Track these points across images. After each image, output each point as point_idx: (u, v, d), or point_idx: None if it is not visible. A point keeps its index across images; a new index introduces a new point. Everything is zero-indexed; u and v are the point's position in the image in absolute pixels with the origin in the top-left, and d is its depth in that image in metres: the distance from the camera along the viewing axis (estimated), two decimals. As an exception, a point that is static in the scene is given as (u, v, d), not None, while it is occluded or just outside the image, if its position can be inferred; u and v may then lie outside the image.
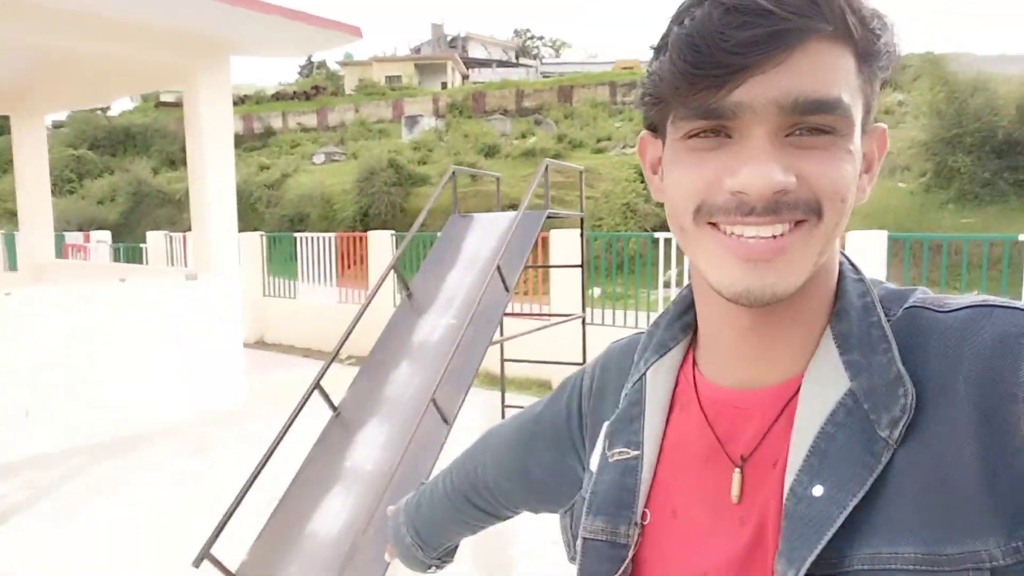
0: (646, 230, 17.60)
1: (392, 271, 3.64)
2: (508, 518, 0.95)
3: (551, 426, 0.79)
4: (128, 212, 27.03)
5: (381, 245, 8.40)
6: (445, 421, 2.93)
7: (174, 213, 26.65)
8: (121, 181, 28.52)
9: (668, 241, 6.45)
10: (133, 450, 4.97)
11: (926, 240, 5.73)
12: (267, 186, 26.28)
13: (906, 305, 0.55)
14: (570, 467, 0.76)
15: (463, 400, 3.04)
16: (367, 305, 3.57)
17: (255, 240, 9.78)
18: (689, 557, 0.58)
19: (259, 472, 2.85)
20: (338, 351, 3.39)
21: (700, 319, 0.63)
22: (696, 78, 0.49)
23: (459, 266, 3.77)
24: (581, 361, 4.65)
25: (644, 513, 0.62)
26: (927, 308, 0.54)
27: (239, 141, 37.59)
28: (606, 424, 0.69)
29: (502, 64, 48.80)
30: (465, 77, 45.89)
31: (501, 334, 4.70)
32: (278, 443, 2.98)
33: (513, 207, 4.99)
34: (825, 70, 0.49)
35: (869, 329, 0.54)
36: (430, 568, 1.03)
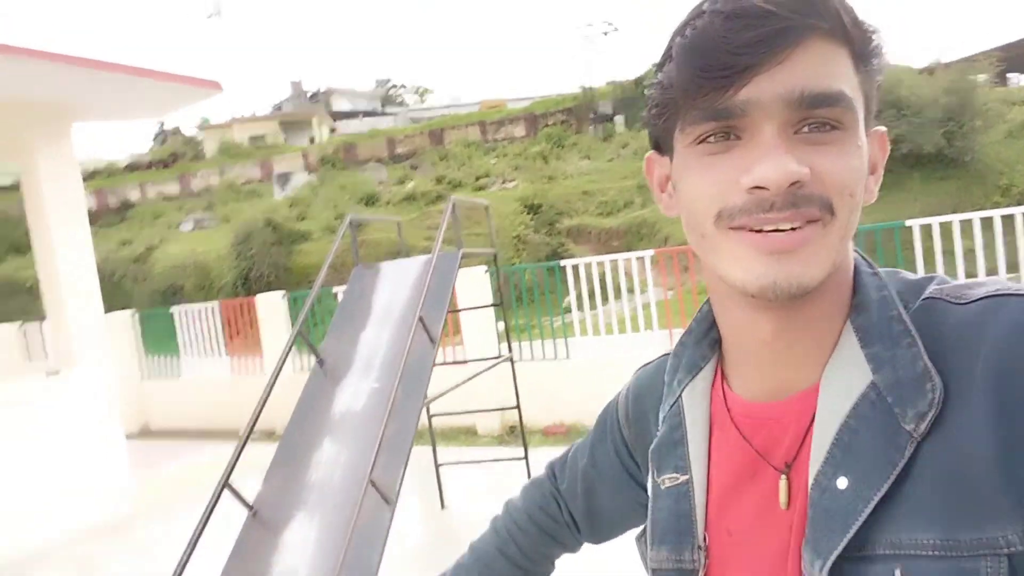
0: (539, 259, 17.71)
1: (298, 337, 3.22)
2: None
3: (609, 467, 0.80)
4: (-8, 303, 24.30)
5: (272, 308, 7.79)
6: (387, 501, 2.55)
7: (28, 301, 24.11)
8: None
9: (566, 268, 6.36)
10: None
11: (877, 230, 5.75)
12: (132, 261, 24.46)
13: (923, 296, 0.56)
14: (637, 496, 0.77)
15: (404, 472, 2.67)
16: (276, 377, 3.13)
17: (125, 319, 8.85)
18: (753, 572, 0.59)
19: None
20: (247, 437, 2.93)
21: (723, 333, 0.64)
22: (704, 80, 0.51)
23: (373, 322, 3.40)
24: (515, 404, 4.36)
25: (704, 536, 0.62)
26: (943, 299, 0.54)
27: (94, 218, 34.68)
28: (650, 450, 0.69)
29: (368, 114, 48.58)
30: (332, 130, 45.24)
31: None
32: (185, 563, 2.47)
33: (405, 253, 4.75)
34: (826, 65, 0.51)
35: (890, 322, 0.54)
36: None
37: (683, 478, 0.65)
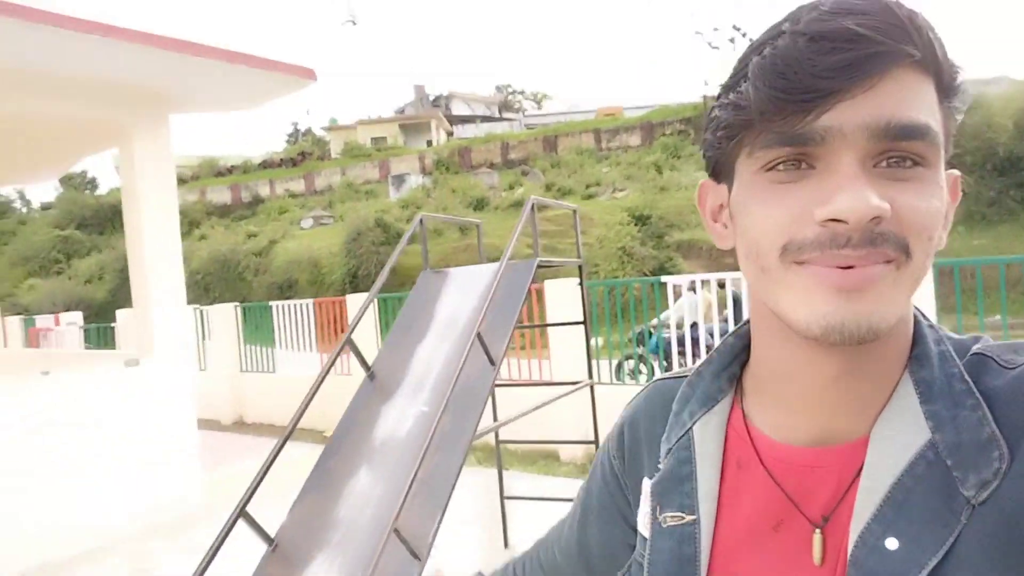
0: (644, 274, 16.96)
1: (348, 346, 2.88)
2: None
3: (598, 500, 0.75)
4: (116, 289, 26.55)
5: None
6: (415, 556, 2.13)
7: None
8: (108, 259, 28.16)
9: (664, 285, 5.77)
10: (60, 579, 4.11)
11: (934, 266, 5.04)
12: (255, 254, 25.84)
13: (971, 352, 0.54)
14: (624, 535, 0.71)
15: (439, 522, 2.24)
16: (318, 385, 2.81)
17: (229, 312, 9.04)
18: None
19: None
20: (281, 446, 2.62)
21: (765, 370, 0.59)
22: (784, 103, 0.48)
23: (431, 335, 3.02)
24: (593, 438, 3.85)
25: None
26: (993, 359, 0.52)
27: (227, 211, 37.78)
28: (650, 483, 0.65)
29: (485, 119, 49.23)
30: (450, 134, 46.18)
31: (495, 417, 3.91)
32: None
33: (495, 258, 4.38)
34: (914, 96, 0.48)
35: (951, 380, 0.52)
36: None
37: (689, 518, 0.60)
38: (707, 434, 0.62)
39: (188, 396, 5.16)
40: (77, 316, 12.49)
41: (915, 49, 0.47)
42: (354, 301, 7.83)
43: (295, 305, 8.74)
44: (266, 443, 7.55)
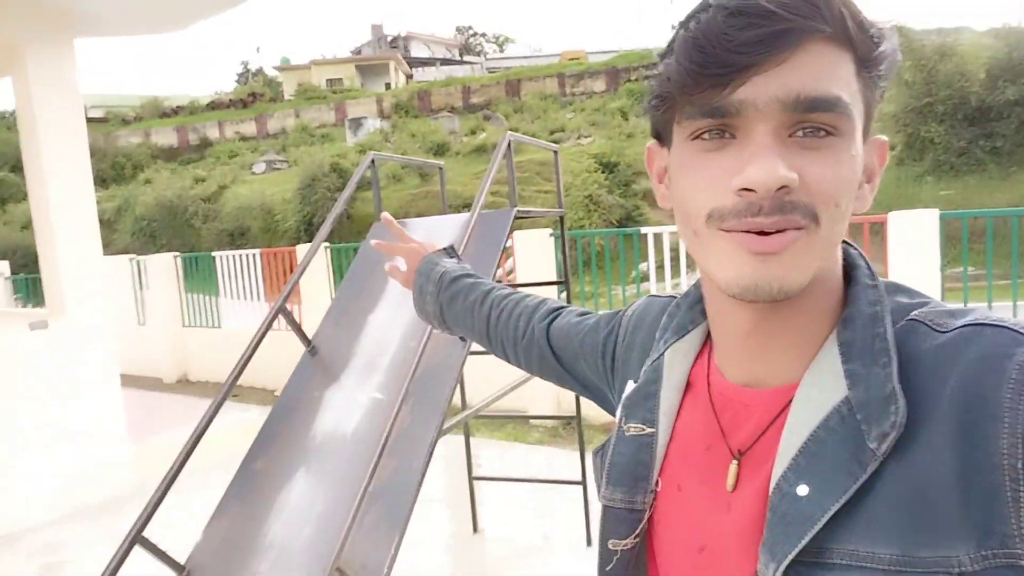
0: (611, 222, 16.49)
1: (279, 315, 2.33)
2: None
3: (591, 353, 0.84)
4: (52, 237, 24.88)
5: (314, 260, 7.02)
6: (365, 595, 1.64)
7: (105, 234, 24.67)
8: (44, 204, 26.47)
9: (643, 236, 5.30)
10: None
11: (964, 217, 4.68)
12: (203, 200, 24.57)
13: (907, 317, 0.56)
14: (601, 389, 0.84)
15: (396, 550, 1.74)
16: (252, 351, 2.29)
17: (168, 263, 8.30)
18: (690, 529, 0.62)
19: None
20: (203, 429, 2.09)
21: (709, 317, 0.65)
22: (702, 76, 0.51)
23: (386, 302, 2.47)
24: (575, 411, 3.38)
25: (657, 482, 0.65)
26: (925, 324, 0.55)
27: (174, 154, 35.98)
28: (624, 397, 0.72)
29: (446, 62, 47.69)
30: (409, 77, 44.62)
31: (463, 395, 3.41)
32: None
33: (466, 208, 3.83)
34: (825, 69, 0.51)
35: (874, 340, 0.55)
36: (436, 329, 1.13)
37: (649, 430, 0.66)
38: (675, 360, 0.68)
39: (110, 359, 4.52)
40: (3, 266, 11.48)
41: (825, 24, 0.49)
42: (305, 251, 7.19)
43: (241, 256, 8.03)
44: (227, 403, 6.98)
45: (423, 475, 1.89)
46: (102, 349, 4.46)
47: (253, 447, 2.14)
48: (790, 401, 0.56)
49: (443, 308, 1.04)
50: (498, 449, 4.93)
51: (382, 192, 2.66)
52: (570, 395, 3.72)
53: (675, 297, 0.74)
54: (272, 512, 1.94)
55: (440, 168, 3.52)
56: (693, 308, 0.69)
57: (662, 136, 0.60)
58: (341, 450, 2.03)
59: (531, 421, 5.51)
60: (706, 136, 0.53)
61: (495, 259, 2.50)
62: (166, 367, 8.28)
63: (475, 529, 3.59)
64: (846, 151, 0.51)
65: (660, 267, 5.37)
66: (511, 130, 24.65)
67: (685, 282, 5.64)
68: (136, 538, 1.77)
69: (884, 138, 0.59)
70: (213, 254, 8.32)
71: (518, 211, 2.66)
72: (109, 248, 17.94)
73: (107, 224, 25.36)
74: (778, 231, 0.50)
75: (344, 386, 2.23)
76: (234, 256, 8.13)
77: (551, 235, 5.42)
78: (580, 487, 3.32)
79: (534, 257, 5.30)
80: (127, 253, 10.08)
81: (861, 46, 0.52)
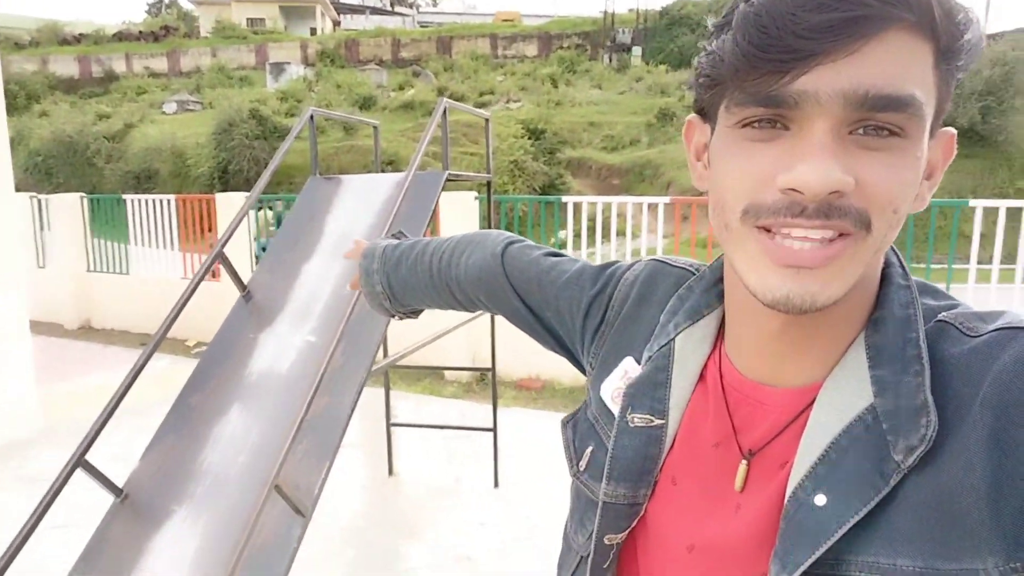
0: (534, 189, 16.75)
1: (219, 260, 2.43)
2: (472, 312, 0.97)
3: (567, 307, 0.76)
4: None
5: (232, 210, 6.93)
6: (299, 512, 1.83)
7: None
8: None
9: (564, 205, 5.58)
10: None
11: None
12: (107, 138, 23.11)
13: (935, 319, 0.53)
14: (567, 344, 0.78)
15: (326, 473, 1.94)
16: (187, 299, 2.36)
17: (74, 203, 7.93)
18: (681, 526, 0.59)
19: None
20: (140, 369, 2.18)
21: (728, 307, 0.61)
22: (760, 61, 0.46)
23: (321, 252, 2.61)
24: (491, 365, 3.63)
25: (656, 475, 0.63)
26: (956, 327, 0.52)
27: (75, 86, 33.52)
28: (625, 372, 0.67)
29: (376, 11, 46.15)
30: (336, 23, 43.03)
31: (385, 354, 3.59)
32: (14, 554, 1.76)
33: (391, 165, 3.84)
34: (901, 63, 0.45)
35: (905, 346, 0.51)
36: (394, 316, 1.06)
37: (658, 421, 0.62)
38: (687, 347, 0.63)
39: (15, 298, 4.41)
40: None
41: (908, 12, 0.45)
42: (224, 201, 7.07)
43: (154, 200, 7.78)
44: (117, 352, 6.84)
45: (352, 410, 2.08)
46: (13, 290, 4.34)
47: (188, 384, 2.26)
48: (809, 403, 0.54)
49: (390, 279, 0.99)
50: (415, 402, 5.15)
51: (303, 144, 2.73)
52: (485, 350, 3.95)
53: (688, 270, 0.69)
54: (208, 443, 2.09)
55: (375, 127, 3.63)
56: (709, 291, 0.65)
57: (706, 112, 0.55)
58: (275, 388, 2.19)
59: (446, 376, 5.74)
60: (756, 125, 0.48)
61: (426, 219, 2.67)
62: (68, 313, 7.97)
63: (391, 472, 3.81)
64: (911, 153, 0.47)
65: (578, 236, 5.67)
66: (440, 88, 24.45)
67: (600, 252, 5.96)
68: (79, 462, 1.89)
69: (951, 130, 0.54)
70: (123, 197, 8.01)
71: (450, 174, 2.83)
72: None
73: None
74: (822, 240, 0.47)
75: (278, 330, 2.37)
76: (146, 200, 7.87)
77: (476, 198, 5.60)
78: (491, 434, 3.58)
79: (458, 219, 5.47)
80: (19, 191, 9.53)
81: (945, 36, 0.46)
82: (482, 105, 23.06)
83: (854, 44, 0.44)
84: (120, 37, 38.16)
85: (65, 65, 34.79)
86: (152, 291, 7.52)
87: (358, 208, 2.74)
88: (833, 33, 0.43)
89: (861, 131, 0.46)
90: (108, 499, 2.05)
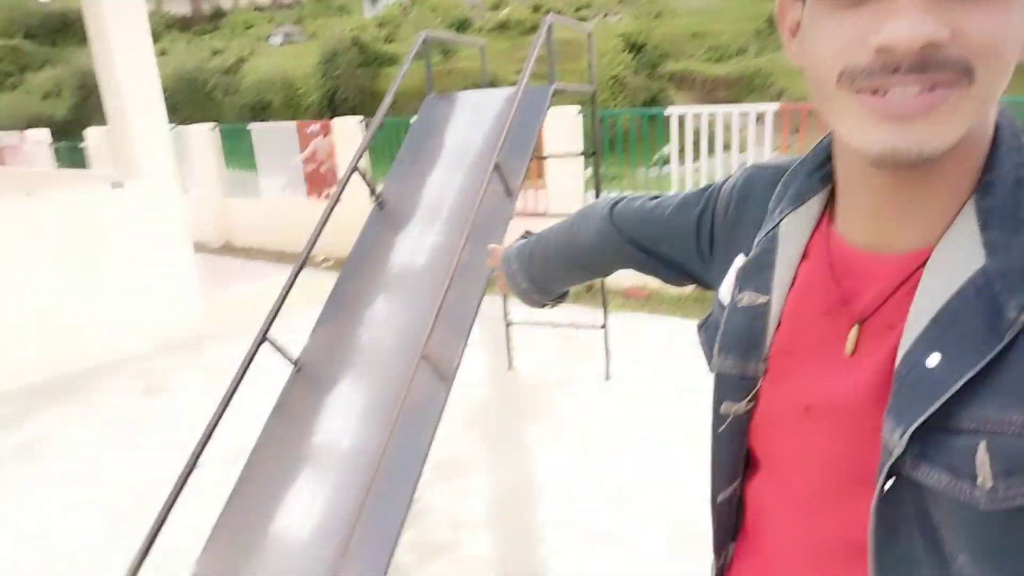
0: (636, 104, 16.40)
1: (355, 173, 2.78)
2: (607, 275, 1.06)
3: (681, 232, 0.81)
4: (77, 107, 25.08)
5: (348, 133, 7.39)
6: (443, 379, 2.21)
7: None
8: (64, 74, 26.31)
9: (667, 118, 5.59)
10: (68, 394, 4.25)
11: None
12: (223, 72, 24.34)
13: None
14: (688, 267, 0.83)
15: (463, 348, 2.30)
16: (331, 209, 2.74)
17: (208, 133, 8.66)
18: (795, 389, 0.62)
19: (197, 457, 2.14)
20: (298, 270, 2.60)
21: (838, 175, 0.62)
22: None
23: (443, 163, 2.92)
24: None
25: (768, 351, 0.65)
26: None
27: (187, 24, 35.14)
28: (737, 267, 0.70)
29: (469, -74, 44.81)
30: (430, -57, 42.22)
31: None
32: (221, 412, 2.25)
33: (492, 84, 4.04)
34: None
35: (1017, 207, 0.51)
36: (546, 306, 1.15)
37: (762, 299, 0.65)
38: (792, 229, 0.65)
39: (179, 216, 5.07)
40: (44, 133, 11.87)
41: None
42: (340, 125, 7.52)
43: (277, 128, 8.38)
44: (258, 266, 7.58)
45: (481, 299, 2.42)
46: (176, 207, 4.98)
47: (340, 278, 2.67)
48: (917, 268, 0.54)
49: (530, 275, 1.07)
50: (528, 308, 5.51)
51: (405, 61, 2.96)
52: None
53: (783, 165, 0.71)
54: (362, 324, 2.50)
55: (482, 47, 3.84)
56: (812, 176, 0.66)
57: None
58: (413, 280, 2.56)
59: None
60: None
61: (536, 129, 2.91)
62: (212, 233, 8.83)
63: (510, 366, 4.22)
64: None
65: (682, 151, 5.69)
66: (534, 5, 23.84)
67: (706, 166, 5.96)
68: (263, 338, 2.34)
69: None
70: (248, 126, 8.67)
71: (556, 87, 3.03)
72: None
73: (128, 96, 25.41)
74: (920, 91, 0.46)
75: (411, 232, 2.73)
76: (270, 128, 8.47)
77: (579, 113, 5.73)
78: (602, 332, 3.88)
79: (563, 134, 5.64)
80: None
81: None
82: (580, 19, 22.48)
83: None
84: (225, -27, 39.24)
85: (178, 4, 36.39)
86: (280, 212, 8.22)
87: (473, 122, 3.01)
88: None
89: None
90: (279, 374, 2.51)
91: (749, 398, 0.66)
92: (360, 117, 7.62)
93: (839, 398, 0.58)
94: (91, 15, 4.60)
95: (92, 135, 10.52)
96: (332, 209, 2.72)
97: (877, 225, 0.57)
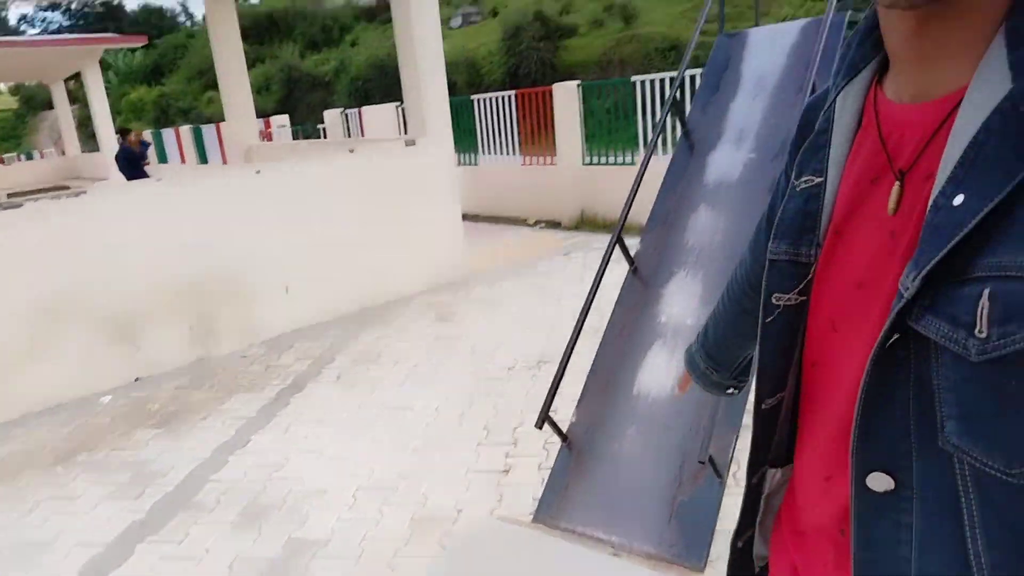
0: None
1: (671, 110, 3.18)
2: None
3: (783, 185, 0.78)
4: (284, 99, 27.99)
5: (568, 98, 7.87)
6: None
7: (325, 95, 27.33)
8: (273, 69, 29.37)
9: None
10: (381, 319, 5.12)
11: None
12: (410, 57, 26.04)
13: None
14: None
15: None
16: (647, 163, 3.08)
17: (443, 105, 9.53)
18: (847, 268, 0.61)
19: (579, 330, 2.67)
20: (626, 214, 2.99)
21: (883, 35, 0.60)
22: None
23: (743, 93, 3.23)
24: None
25: (824, 234, 0.64)
26: None
27: (374, 14, 37.62)
28: (799, 153, 0.70)
29: None
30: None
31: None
32: (592, 298, 2.76)
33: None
34: None
35: None
36: (728, 390, 1.09)
37: (818, 180, 0.65)
38: (846, 104, 0.65)
39: (453, 172, 5.82)
40: (284, 119, 13.66)
41: None
42: (561, 91, 8.01)
43: (496, 98, 9.06)
44: (479, 227, 8.30)
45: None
46: (451, 165, 5.75)
47: (661, 190, 3.09)
48: (954, 109, 0.52)
49: (706, 350, 1.07)
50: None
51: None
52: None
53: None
54: (687, 230, 2.91)
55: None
56: (864, 43, 0.65)
57: None
58: (730, 191, 2.92)
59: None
60: None
61: (834, 58, 3.13)
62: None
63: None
64: None
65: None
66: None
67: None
68: (617, 239, 2.82)
69: None
70: (472, 98, 9.45)
71: (850, 16, 3.24)
72: (330, 107, 20.05)
73: (326, 86, 27.99)
74: None
75: (722, 152, 3.08)
76: (488, 99, 9.19)
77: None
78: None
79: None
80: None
81: None
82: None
83: None
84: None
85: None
86: (499, 179, 8.93)
87: (769, 54, 3.29)
88: None
89: None
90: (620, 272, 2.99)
91: (801, 288, 0.65)
92: (577, 82, 8.06)
93: (887, 268, 0.56)
94: (397, 4, 5.42)
95: (328, 117, 12.03)
96: (647, 166, 3.08)
97: (916, 70, 0.56)
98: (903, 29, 0.55)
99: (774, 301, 0.69)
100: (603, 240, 6.59)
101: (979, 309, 0.46)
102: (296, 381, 4.18)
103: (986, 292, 0.46)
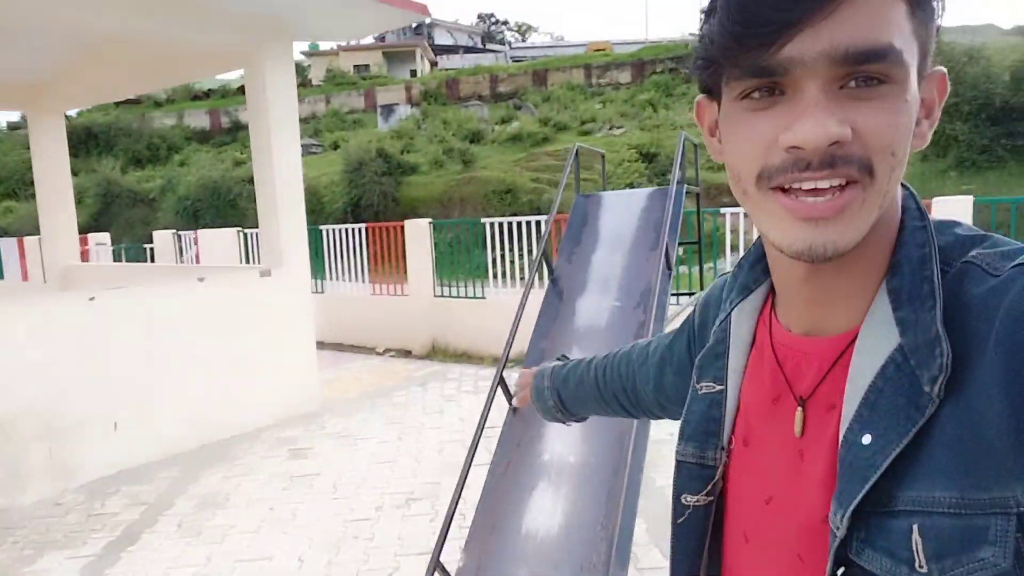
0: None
1: (541, 258, 3.46)
2: (639, 418, 1.15)
3: (677, 356, 0.89)
4: (98, 214, 26.13)
5: (419, 234, 8.17)
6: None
7: (147, 213, 25.88)
8: (88, 182, 27.48)
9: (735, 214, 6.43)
10: (225, 457, 4.73)
11: (1014, 203, 5.70)
12: (245, 181, 25.65)
13: (963, 259, 0.55)
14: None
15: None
16: (526, 298, 3.33)
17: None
18: (758, 482, 0.64)
19: (467, 472, 2.68)
20: (507, 355, 3.19)
21: (771, 271, 0.66)
22: (745, 37, 0.50)
23: (603, 247, 3.62)
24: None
25: (730, 440, 0.68)
26: (981, 267, 0.54)
27: (207, 137, 37.04)
28: (697, 358, 0.76)
29: (469, 50, 48.39)
30: (434, 64, 45.40)
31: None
32: (479, 434, 2.81)
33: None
34: (875, 18, 0.49)
35: (921, 284, 0.55)
36: (564, 423, 1.23)
37: (719, 388, 0.71)
38: (741, 319, 0.70)
39: (308, 303, 5.72)
40: (104, 237, 12.69)
41: None
42: (412, 225, 8.29)
43: (346, 230, 9.15)
44: (329, 355, 8.11)
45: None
46: (307, 294, 5.65)
47: (533, 336, 3.29)
48: (849, 346, 0.58)
49: (559, 394, 1.15)
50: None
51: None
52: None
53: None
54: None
55: (602, 155, 4.68)
56: (755, 267, 0.70)
57: (711, 91, 0.60)
58: (598, 335, 3.19)
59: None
60: (755, 95, 0.53)
61: (679, 222, 3.63)
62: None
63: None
64: (900, 98, 0.51)
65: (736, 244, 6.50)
66: (542, 119, 25.68)
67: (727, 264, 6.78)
68: (499, 381, 2.93)
69: (942, 69, 0.57)
70: (320, 228, 9.46)
71: (687, 188, 3.80)
72: (153, 226, 18.99)
73: (149, 204, 26.60)
74: (831, 188, 0.51)
75: (588, 300, 3.38)
76: (340, 230, 9.26)
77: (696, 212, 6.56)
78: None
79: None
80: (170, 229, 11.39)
81: None
82: (585, 132, 24.20)
83: (828, 7, 0.48)
84: (242, 90, 41.53)
85: (197, 118, 38.31)
86: (347, 308, 8.86)
87: (623, 214, 3.74)
88: (808, 1, 0.48)
89: (852, 83, 0.50)
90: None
91: (708, 490, 0.69)
92: (428, 220, 8.42)
93: (796, 486, 0.60)
94: (256, 128, 5.45)
95: (159, 237, 11.38)
96: (525, 302, 3.34)
97: (807, 311, 0.61)
98: (795, 273, 0.60)
99: (683, 502, 0.71)
100: (457, 370, 6.78)
101: (913, 544, 0.49)
102: (127, 532, 3.70)
103: (915, 527, 0.49)
